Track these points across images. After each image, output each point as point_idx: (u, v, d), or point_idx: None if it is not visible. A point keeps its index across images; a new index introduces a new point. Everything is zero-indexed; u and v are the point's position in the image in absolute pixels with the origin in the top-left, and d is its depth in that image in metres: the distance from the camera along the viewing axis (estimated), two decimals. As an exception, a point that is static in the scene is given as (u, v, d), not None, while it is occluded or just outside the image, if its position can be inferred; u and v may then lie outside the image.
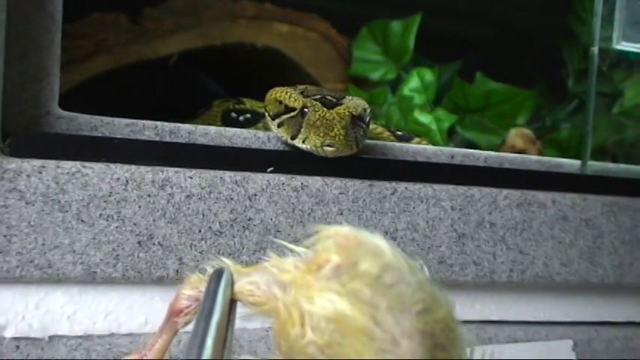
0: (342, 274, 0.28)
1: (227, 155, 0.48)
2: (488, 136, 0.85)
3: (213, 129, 0.49)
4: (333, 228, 0.30)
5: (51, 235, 0.42)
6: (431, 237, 0.52)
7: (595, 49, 0.61)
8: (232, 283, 0.32)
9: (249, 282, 0.31)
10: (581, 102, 0.89)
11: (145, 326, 0.45)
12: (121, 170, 0.44)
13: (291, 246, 0.31)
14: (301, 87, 0.57)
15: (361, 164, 0.51)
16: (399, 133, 0.65)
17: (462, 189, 0.54)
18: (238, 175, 0.47)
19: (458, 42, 1.11)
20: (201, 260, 0.45)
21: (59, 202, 0.42)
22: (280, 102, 0.52)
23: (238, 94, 0.81)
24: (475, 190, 0.54)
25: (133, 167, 0.44)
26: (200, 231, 0.45)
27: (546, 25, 0.98)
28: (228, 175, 0.46)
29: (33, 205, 0.42)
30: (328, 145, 0.47)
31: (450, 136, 0.85)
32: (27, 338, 0.43)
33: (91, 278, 0.43)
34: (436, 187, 0.53)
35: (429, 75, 0.87)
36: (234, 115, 0.67)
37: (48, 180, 0.42)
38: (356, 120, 0.49)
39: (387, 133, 0.63)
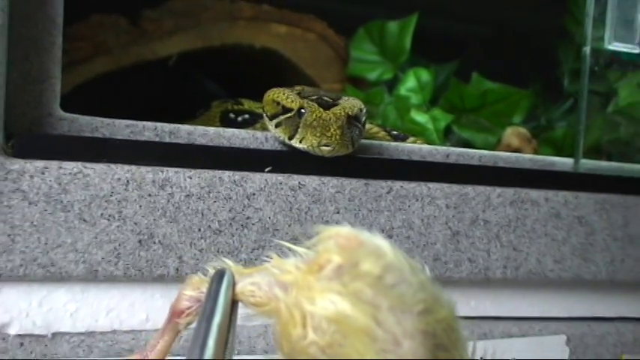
0: (344, 275, 0.28)
1: (226, 155, 0.48)
2: (484, 135, 0.85)
3: (212, 129, 0.50)
4: (334, 228, 0.30)
5: (54, 234, 0.43)
6: (426, 235, 0.53)
7: (587, 50, 0.62)
8: (234, 284, 0.32)
9: (250, 283, 0.31)
10: (576, 101, 0.89)
11: (146, 323, 0.46)
12: (121, 170, 0.44)
13: (292, 246, 0.31)
14: (298, 88, 0.57)
15: (357, 163, 0.52)
16: (394, 132, 0.65)
17: (456, 187, 0.54)
18: (237, 175, 0.47)
19: (454, 42, 1.11)
20: (201, 258, 0.45)
21: (61, 202, 0.43)
22: (278, 103, 0.52)
23: (237, 94, 0.81)
24: (469, 189, 0.54)
25: (134, 167, 0.45)
26: (200, 230, 0.46)
27: (542, 25, 0.99)
28: (226, 174, 0.47)
29: (36, 205, 0.42)
30: (325, 145, 0.48)
31: (447, 136, 0.85)
32: (31, 335, 0.43)
33: (93, 276, 0.44)
34: (431, 185, 0.53)
35: (425, 75, 0.87)
36: (232, 115, 0.67)
37: (50, 180, 0.42)
38: (352, 120, 0.50)
39: (382, 133, 0.64)
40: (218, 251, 0.46)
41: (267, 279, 0.31)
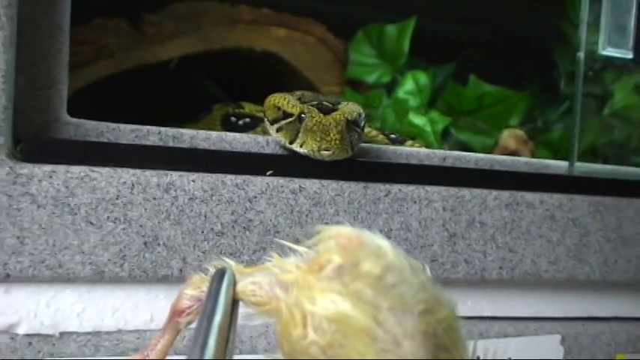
0: (344, 275, 0.28)
1: (228, 159, 0.49)
2: (481, 137, 0.85)
3: (214, 134, 0.50)
4: (334, 228, 0.29)
5: (61, 236, 0.43)
6: (423, 236, 0.53)
7: (581, 55, 0.63)
8: (234, 283, 0.32)
9: (251, 282, 0.31)
10: (573, 104, 0.90)
11: (150, 323, 0.47)
12: (127, 174, 0.45)
13: (293, 246, 0.31)
14: (299, 93, 0.57)
15: (356, 167, 0.52)
16: (392, 136, 0.66)
17: (453, 190, 0.55)
18: (239, 179, 0.48)
19: (452, 44, 1.12)
20: (204, 260, 0.46)
21: (69, 205, 0.43)
22: (279, 108, 0.53)
23: (237, 96, 0.81)
24: (466, 192, 0.55)
25: (139, 171, 0.45)
26: (203, 232, 0.47)
27: (539, 27, 0.99)
28: (229, 178, 0.48)
29: (44, 208, 0.43)
30: (325, 149, 0.48)
31: (445, 138, 0.85)
32: (39, 335, 0.44)
33: (99, 277, 0.44)
34: (428, 188, 0.54)
35: (423, 78, 0.88)
36: (233, 119, 0.67)
37: (58, 184, 0.43)
38: (351, 124, 0.50)
39: (381, 136, 0.64)
40: (221, 253, 0.47)
41: (268, 278, 0.31)
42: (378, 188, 0.52)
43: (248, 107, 0.70)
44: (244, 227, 0.48)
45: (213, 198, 0.47)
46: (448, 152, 0.59)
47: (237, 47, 0.88)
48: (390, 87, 0.91)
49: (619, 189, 0.62)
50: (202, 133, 0.50)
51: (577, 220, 0.59)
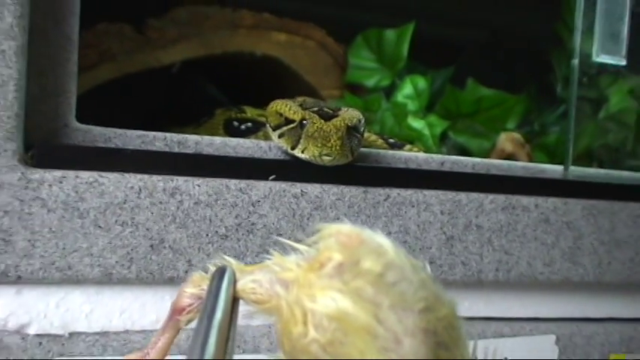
0: (345, 273, 0.27)
1: (232, 164, 0.50)
2: (479, 140, 0.86)
3: (218, 139, 0.51)
4: (335, 226, 0.29)
5: (71, 239, 0.44)
6: (422, 239, 0.54)
7: (576, 61, 0.64)
8: (235, 282, 0.32)
9: (251, 280, 0.31)
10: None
11: (156, 323, 0.47)
12: (134, 179, 0.46)
13: (294, 244, 0.30)
14: (300, 99, 0.58)
15: (356, 172, 0.53)
16: (391, 140, 0.67)
17: (450, 194, 0.55)
18: (242, 183, 0.49)
19: (451, 47, 1.12)
20: (209, 262, 0.48)
21: (78, 209, 0.44)
22: (280, 114, 0.53)
23: (238, 100, 0.82)
24: (463, 195, 0.56)
25: (146, 176, 0.46)
26: (207, 235, 0.48)
27: (537, 32, 0.99)
28: (232, 182, 0.48)
29: (54, 213, 0.44)
30: (326, 155, 0.49)
31: (443, 141, 0.86)
32: (49, 335, 0.45)
33: (107, 279, 0.45)
34: (426, 192, 0.55)
35: (421, 82, 0.89)
36: (236, 123, 0.68)
37: (68, 189, 0.44)
38: (351, 130, 0.51)
39: (380, 141, 0.65)
40: (225, 255, 0.48)
41: (268, 276, 0.30)
42: (378, 192, 0.53)
43: (250, 111, 0.71)
44: (248, 230, 0.49)
45: (218, 202, 0.48)
46: (446, 157, 0.60)
47: (239, 51, 0.89)
48: (389, 91, 0.92)
49: (612, 193, 0.62)
50: (207, 138, 0.51)
51: (571, 223, 0.60)
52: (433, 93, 0.91)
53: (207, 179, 0.48)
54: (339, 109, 0.55)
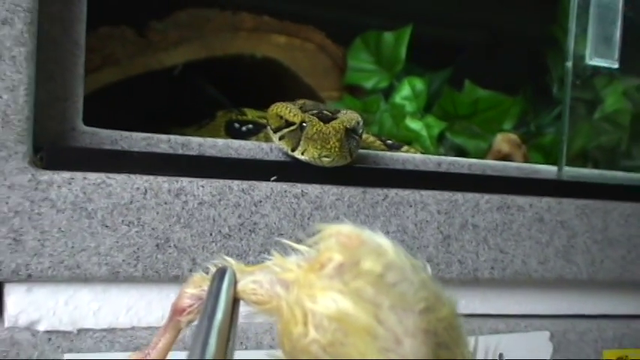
0: (345, 273, 0.27)
1: (234, 166, 0.51)
2: (476, 141, 0.86)
3: (221, 141, 0.52)
4: (335, 227, 0.29)
5: (79, 239, 0.45)
6: (419, 238, 0.55)
7: (569, 64, 0.65)
8: (235, 282, 0.32)
9: (252, 281, 0.31)
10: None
11: (162, 320, 0.47)
12: (140, 180, 0.47)
13: (294, 245, 0.30)
14: (300, 102, 0.59)
15: (355, 173, 0.54)
16: (389, 141, 0.68)
17: (447, 194, 0.56)
18: (245, 184, 0.50)
19: (448, 49, 1.13)
20: (212, 260, 0.49)
21: (86, 209, 0.45)
22: (281, 117, 0.54)
23: (239, 101, 0.82)
24: (459, 195, 0.56)
25: (151, 178, 0.47)
26: (211, 234, 0.49)
27: (533, 33, 0.99)
28: (235, 183, 0.49)
29: (63, 213, 0.45)
30: (325, 156, 0.50)
31: (440, 142, 0.86)
32: (58, 331, 0.46)
33: (114, 277, 0.46)
34: (423, 192, 0.55)
35: (419, 84, 0.89)
36: (237, 125, 0.69)
37: (76, 190, 0.45)
38: (350, 132, 0.52)
39: (378, 142, 0.66)
40: (228, 254, 0.48)
41: (269, 277, 0.30)
42: (376, 193, 0.54)
43: (250, 113, 0.72)
44: (250, 230, 0.50)
45: (221, 202, 0.49)
46: (443, 158, 0.61)
47: (239, 54, 0.90)
48: (388, 92, 0.92)
49: (605, 193, 0.63)
50: (210, 140, 0.52)
51: (565, 222, 0.60)
52: (431, 94, 0.92)
53: (211, 180, 0.49)
54: (338, 112, 0.56)
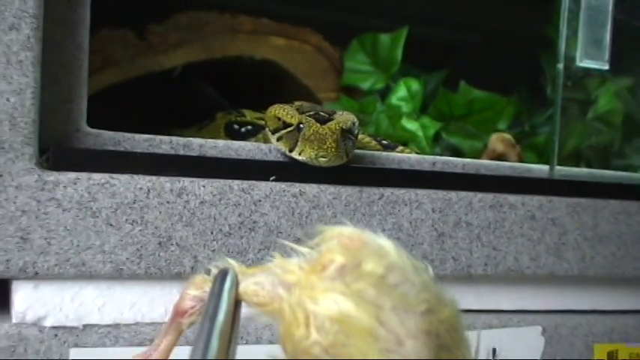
0: (347, 275, 0.27)
1: (234, 166, 0.52)
2: (471, 141, 0.87)
3: (221, 142, 0.53)
4: (336, 228, 0.29)
5: (84, 237, 0.46)
6: (414, 236, 0.56)
7: (560, 66, 0.66)
8: (237, 284, 0.32)
9: (253, 282, 0.31)
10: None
11: (165, 316, 0.49)
12: (143, 180, 0.48)
13: (296, 246, 0.30)
14: (297, 104, 0.60)
15: (352, 172, 0.55)
16: (384, 142, 0.68)
17: (441, 193, 0.57)
18: (245, 184, 0.51)
19: (444, 50, 1.14)
20: (214, 258, 0.49)
21: (91, 209, 0.46)
22: (279, 118, 0.55)
23: (238, 102, 0.83)
24: (453, 194, 0.57)
25: (154, 178, 0.48)
26: (212, 233, 0.50)
27: (528, 34, 1.00)
28: (235, 183, 0.50)
29: (69, 212, 0.46)
30: (322, 157, 0.51)
31: (436, 142, 0.87)
32: (64, 327, 0.47)
33: (118, 275, 0.47)
34: (418, 191, 0.56)
35: (415, 85, 0.89)
36: (236, 126, 0.70)
37: (81, 190, 0.46)
38: (346, 133, 0.53)
39: (373, 143, 0.67)
40: (229, 252, 0.50)
41: (271, 279, 0.30)
42: (372, 192, 0.55)
43: (249, 115, 0.72)
44: (250, 228, 0.51)
45: (222, 202, 0.50)
46: (437, 157, 0.61)
47: (238, 56, 0.90)
48: (384, 93, 0.93)
49: (595, 191, 0.63)
50: (210, 141, 0.53)
51: (556, 219, 0.61)
52: (426, 95, 0.92)
53: (212, 180, 0.50)
54: (334, 113, 0.57)
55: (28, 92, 0.45)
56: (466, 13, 1.16)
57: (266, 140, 0.61)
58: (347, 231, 0.29)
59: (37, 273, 0.46)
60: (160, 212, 0.49)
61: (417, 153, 0.70)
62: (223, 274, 0.32)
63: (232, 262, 0.33)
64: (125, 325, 0.49)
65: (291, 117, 0.55)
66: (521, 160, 0.81)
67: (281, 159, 0.55)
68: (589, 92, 0.83)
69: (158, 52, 0.88)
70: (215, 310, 0.30)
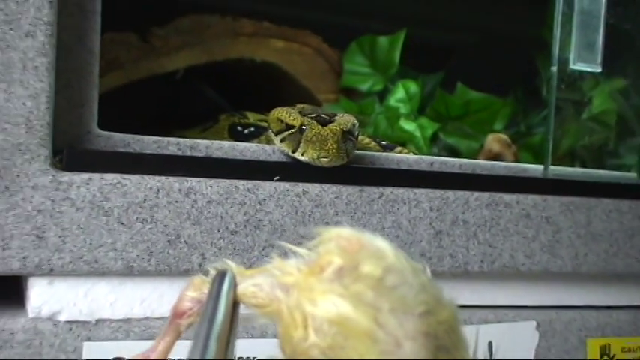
0: (345, 276, 0.27)
1: (240, 167, 0.53)
2: (468, 141, 0.88)
3: (226, 144, 0.55)
4: (335, 230, 0.29)
5: (97, 235, 0.48)
6: (413, 234, 0.57)
7: (554, 69, 0.68)
8: (235, 285, 0.31)
9: (251, 284, 0.31)
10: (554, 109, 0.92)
11: None
12: (153, 181, 0.49)
13: (294, 248, 0.30)
14: (299, 106, 0.62)
15: (353, 172, 0.56)
16: (383, 143, 0.70)
17: (439, 192, 0.58)
18: (250, 184, 0.52)
19: (441, 52, 1.15)
20: (220, 255, 0.51)
21: (103, 208, 0.48)
22: (282, 121, 0.57)
23: (240, 104, 0.85)
24: (450, 193, 0.58)
25: (163, 178, 0.50)
26: (219, 231, 0.51)
27: (523, 36, 1.01)
28: (241, 183, 0.52)
29: (82, 211, 0.48)
30: (323, 157, 0.52)
31: (434, 142, 0.88)
32: (78, 321, 0.48)
33: (129, 271, 0.49)
34: (417, 191, 0.57)
35: (413, 86, 0.91)
36: (239, 128, 0.71)
37: (94, 190, 0.48)
38: (346, 134, 0.54)
39: (373, 144, 0.68)
40: (235, 249, 0.51)
41: (269, 280, 0.30)
42: (372, 191, 0.56)
43: (252, 117, 0.74)
44: (255, 227, 0.52)
45: (228, 201, 0.52)
46: (435, 158, 0.63)
47: (239, 58, 0.91)
48: (382, 95, 0.94)
49: (588, 190, 0.64)
50: (216, 143, 0.55)
51: (550, 218, 0.62)
52: (424, 97, 0.93)
53: (218, 180, 0.51)
54: (335, 115, 0.58)
55: (43, 96, 0.47)
56: (462, 15, 1.17)
57: (269, 142, 0.63)
58: (345, 232, 0.29)
59: (52, 270, 0.48)
60: (169, 211, 0.50)
61: (415, 153, 0.72)
62: (221, 275, 0.32)
63: (230, 264, 0.33)
64: (136, 319, 0.51)
65: (294, 119, 0.56)
66: (517, 160, 0.82)
67: (284, 160, 0.56)
68: (583, 93, 0.83)
69: (161, 55, 0.88)
70: (213, 311, 0.30)
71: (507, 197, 0.61)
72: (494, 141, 0.84)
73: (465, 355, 0.28)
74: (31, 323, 0.48)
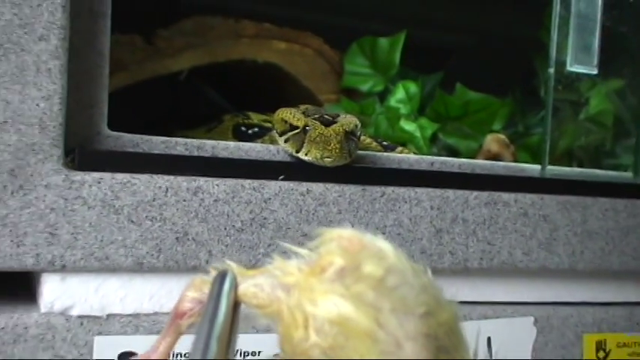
0: (346, 277, 0.27)
1: (245, 166, 0.54)
2: (467, 141, 0.89)
3: (232, 144, 0.56)
4: (336, 230, 0.29)
5: (107, 233, 0.49)
6: (414, 232, 0.58)
7: (551, 70, 0.69)
8: (236, 286, 0.31)
9: (252, 284, 0.31)
10: (552, 109, 0.93)
11: None
12: (162, 180, 0.51)
13: (295, 248, 0.30)
14: (303, 107, 0.63)
15: (355, 172, 0.57)
16: (384, 143, 0.71)
17: (439, 191, 0.59)
18: (255, 183, 0.53)
19: (440, 53, 1.16)
20: (227, 252, 0.52)
21: (114, 206, 0.49)
22: (286, 121, 0.58)
23: (242, 105, 0.85)
24: (450, 192, 0.59)
25: (172, 177, 0.51)
26: (225, 228, 0.52)
27: (522, 37, 1.01)
28: (247, 182, 0.53)
29: (93, 209, 0.49)
30: (327, 157, 0.53)
31: (433, 142, 0.89)
32: (89, 316, 0.50)
33: (138, 268, 0.50)
34: (418, 190, 0.58)
35: (413, 87, 0.92)
36: (243, 128, 0.72)
37: (105, 189, 0.49)
38: (349, 135, 0.55)
39: (374, 144, 0.69)
40: (241, 246, 0.52)
41: (270, 281, 0.30)
42: (375, 190, 0.57)
43: (255, 117, 0.75)
44: (260, 224, 0.54)
45: (234, 199, 0.53)
46: (435, 158, 0.64)
47: (241, 59, 0.92)
48: (383, 95, 0.95)
49: (585, 189, 0.65)
50: (222, 143, 0.56)
51: (547, 216, 0.63)
52: (424, 97, 0.94)
53: (225, 179, 0.53)
54: (338, 116, 0.59)
55: (55, 98, 0.48)
56: (462, 17, 1.17)
57: (272, 141, 0.64)
58: (346, 233, 0.29)
59: (64, 266, 0.49)
60: (177, 209, 0.51)
61: (415, 153, 0.73)
62: (222, 275, 0.32)
63: (231, 264, 0.32)
64: (145, 314, 0.52)
65: (298, 120, 0.57)
66: (515, 160, 0.83)
67: (288, 159, 0.57)
68: (580, 94, 0.84)
69: (165, 56, 0.89)
70: (214, 311, 0.30)
71: (506, 196, 0.62)
72: (493, 141, 0.85)
73: (466, 357, 0.28)
74: (44, 318, 0.49)
